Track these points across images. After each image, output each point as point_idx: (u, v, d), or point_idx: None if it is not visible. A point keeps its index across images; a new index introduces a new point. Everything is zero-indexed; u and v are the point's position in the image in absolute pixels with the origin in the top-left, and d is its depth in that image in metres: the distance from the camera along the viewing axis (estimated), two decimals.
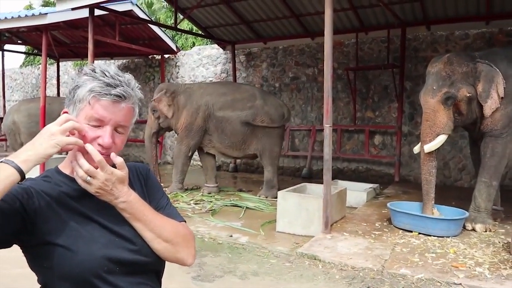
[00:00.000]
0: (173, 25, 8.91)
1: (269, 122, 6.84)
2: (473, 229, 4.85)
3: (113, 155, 1.13)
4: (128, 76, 1.19)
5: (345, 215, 5.52)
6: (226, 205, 6.35)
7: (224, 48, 10.52)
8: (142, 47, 10.40)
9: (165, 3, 12.58)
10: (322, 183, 4.96)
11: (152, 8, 15.08)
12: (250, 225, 5.29)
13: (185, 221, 1.33)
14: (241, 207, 6.22)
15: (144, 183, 1.33)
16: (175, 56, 11.35)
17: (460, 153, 7.88)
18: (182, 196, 6.80)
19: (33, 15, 8.46)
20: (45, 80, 8.92)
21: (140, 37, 10.93)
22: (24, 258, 1.15)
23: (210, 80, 10.53)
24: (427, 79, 4.98)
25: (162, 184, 7.87)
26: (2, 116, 11.68)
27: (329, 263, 4.00)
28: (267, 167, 6.93)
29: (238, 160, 9.94)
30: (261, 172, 8.89)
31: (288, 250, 4.41)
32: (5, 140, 10.64)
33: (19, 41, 12.42)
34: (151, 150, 7.51)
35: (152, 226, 1.18)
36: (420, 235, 4.69)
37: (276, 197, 5.72)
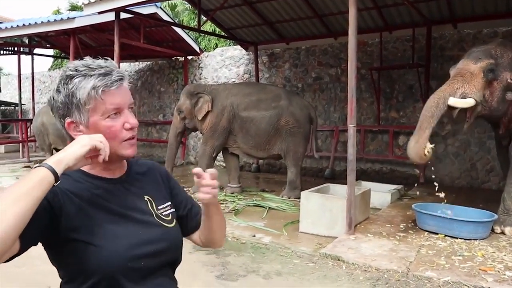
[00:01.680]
0: (196, 27, 9.00)
1: (294, 122, 6.82)
2: (502, 232, 4.72)
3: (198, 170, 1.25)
4: (108, 60, 1.20)
5: (369, 216, 5.46)
6: (249, 205, 6.37)
7: (246, 49, 10.56)
8: (166, 49, 10.54)
9: (188, 5, 12.73)
10: (345, 183, 4.93)
11: (176, 10, 15.28)
12: (273, 225, 5.30)
13: None
14: (263, 207, 6.24)
15: (167, 183, 1.38)
16: (198, 58, 11.46)
17: (488, 154, 7.69)
18: None
19: (61, 19, 8.69)
20: None
21: (164, 39, 11.08)
22: None
23: (233, 81, 10.59)
24: (468, 55, 4.76)
25: (184, 185, 7.95)
26: (32, 118, 12.00)
27: (353, 264, 3.97)
28: (291, 168, 6.91)
29: (260, 161, 9.96)
30: (284, 173, 8.87)
31: (312, 251, 4.40)
32: (35, 140, 10.91)
33: (47, 45, 12.76)
34: (175, 149, 7.59)
35: (222, 217, 1.40)
36: (446, 237, 4.60)
37: (299, 198, 5.71)
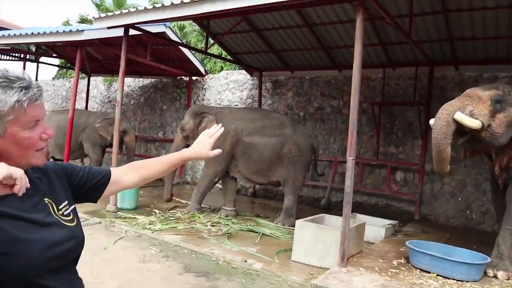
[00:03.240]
0: (203, 49, 9.11)
1: (297, 151, 6.84)
2: (495, 276, 4.69)
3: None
4: (26, 74, 1.22)
5: (362, 250, 5.43)
6: (243, 230, 6.33)
7: (251, 74, 10.68)
8: (171, 68, 10.63)
9: (197, 27, 12.91)
10: (340, 215, 4.92)
11: (184, 31, 15.49)
12: (265, 252, 5.26)
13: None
14: (257, 232, 6.20)
15: (63, 177, 1.40)
16: (202, 79, 11.57)
17: (484, 196, 7.70)
18: (199, 217, 6.82)
19: (70, 31, 8.79)
20: (76, 93, 9.19)
21: (170, 58, 11.20)
22: None
23: (236, 105, 10.67)
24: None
25: (180, 202, 7.92)
26: None
27: None
28: (288, 195, 6.89)
29: (257, 186, 9.93)
30: (279, 199, 8.86)
31: (303, 281, 4.35)
32: None
33: (54, 55, 12.88)
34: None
35: None
36: (438, 277, 4.57)
37: (293, 226, 5.68)
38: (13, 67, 1.22)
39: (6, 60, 13.71)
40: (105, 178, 1.51)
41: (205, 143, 1.65)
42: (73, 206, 1.37)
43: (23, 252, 1.11)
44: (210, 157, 1.66)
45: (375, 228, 6.40)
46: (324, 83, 9.71)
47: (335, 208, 8.55)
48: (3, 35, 10.01)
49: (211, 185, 7.21)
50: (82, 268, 1.36)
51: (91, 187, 1.47)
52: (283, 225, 6.68)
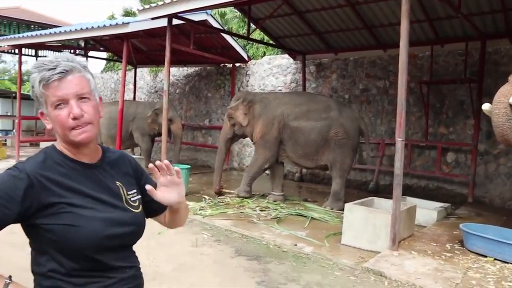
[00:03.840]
0: (245, 35, 9.12)
1: (343, 134, 6.78)
2: None
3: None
4: (65, 54, 1.27)
5: (413, 233, 5.34)
6: (291, 214, 6.38)
7: (294, 58, 10.60)
8: (214, 56, 10.71)
9: (238, 13, 12.92)
10: (389, 198, 4.86)
11: (225, 18, 15.54)
12: (315, 236, 5.29)
13: None
14: (306, 217, 6.23)
15: (135, 172, 1.49)
16: (246, 65, 11.61)
17: None
18: (248, 202, 6.93)
19: (116, 24, 9.05)
20: (124, 85, 9.49)
21: (213, 46, 11.30)
22: None
23: (280, 90, 10.65)
24: None
25: (227, 190, 8.03)
26: None
27: (396, 281, 3.90)
28: (336, 179, 6.86)
29: (304, 170, 9.93)
30: (327, 184, 8.83)
31: (353, 264, 4.36)
32: None
33: (101, 48, 13.33)
34: (223, 155, 7.74)
35: (187, 208, 1.56)
36: (496, 261, 4.43)
37: (342, 210, 5.67)
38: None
39: None
40: (162, 206, 1.48)
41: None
42: (139, 196, 1.44)
43: (87, 225, 1.22)
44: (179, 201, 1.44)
45: (427, 211, 6.24)
46: (369, 63, 9.48)
47: (383, 192, 8.41)
48: (55, 32, 10.47)
49: (261, 170, 7.28)
50: (139, 251, 1.44)
51: (149, 202, 1.42)
52: (332, 209, 6.67)
